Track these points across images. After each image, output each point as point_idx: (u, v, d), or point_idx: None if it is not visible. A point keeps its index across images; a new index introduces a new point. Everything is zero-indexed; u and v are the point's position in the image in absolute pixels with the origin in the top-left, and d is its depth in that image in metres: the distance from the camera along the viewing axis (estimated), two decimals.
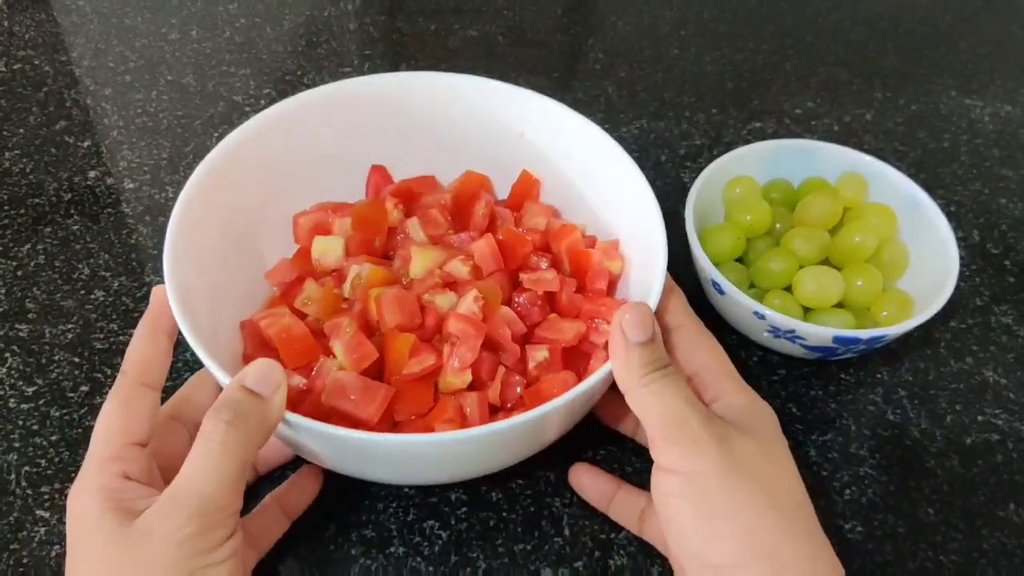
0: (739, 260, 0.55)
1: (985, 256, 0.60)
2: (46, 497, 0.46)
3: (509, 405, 0.45)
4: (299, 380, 0.44)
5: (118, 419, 0.37)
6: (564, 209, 0.54)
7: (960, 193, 0.65)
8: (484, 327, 0.45)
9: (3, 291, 0.55)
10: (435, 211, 0.51)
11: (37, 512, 0.45)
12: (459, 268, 0.48)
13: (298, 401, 0.44)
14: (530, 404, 0.43)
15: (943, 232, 0.52)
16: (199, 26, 0.76)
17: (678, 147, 0.67)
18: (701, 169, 0.55)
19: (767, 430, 0.40)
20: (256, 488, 0.46)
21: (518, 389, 0.45)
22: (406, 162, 0.54)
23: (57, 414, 0.49)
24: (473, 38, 0.76)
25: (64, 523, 0.44)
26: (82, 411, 0.49)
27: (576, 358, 0.47)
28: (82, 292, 0.55)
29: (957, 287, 0.49)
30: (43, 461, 0.47)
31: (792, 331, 0.48)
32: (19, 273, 0.56)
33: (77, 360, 0.52)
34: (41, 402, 0.50)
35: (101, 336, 0.53)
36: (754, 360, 0.53)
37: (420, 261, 0.47)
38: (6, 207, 0.60)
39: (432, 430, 0.42)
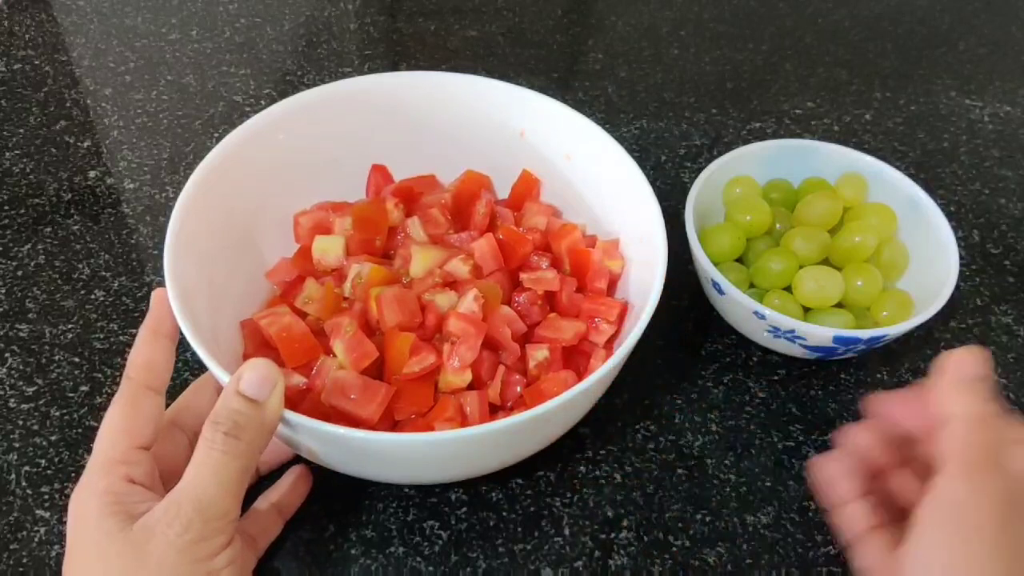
0: (739, 260, 0.55)
1: (985, 256, 0.60)
2: (46, 497, 0.46)
3: (509, 404, 0.45)
4: (299, 379, 0.44)
5: (123, 422, 0.37)
6: (565, 209, 0.54)
7: (960, 193, 0.65)
8: (484, 326, 0.45)
9: (3, 291, 0.55)
10: (435, 210, 0.51)
11: (37, 512, 0.45)
12: (459, 267, 0.48)
13: (298, 400, 0.44)
14: (530, 403, 0.43)
15: (943, 232, 0.52)
16: (199, 26, 0.76)
17: (678, 147, 0.67)
18: (701, 169, 0.55)
19: None
20: (254, 489, 0.46)
21: (518, 388, 0.45)
22: (407, 162, 0.55)
23: (57, 414, 0.49)
24: (473, 38, 0.76)
25: (64, 523, 0.44)
26: (82, 411, 0.49)
27: (576, 357, 0.47)
28: (82, 292, 0.55)
29: (957, 287, 0.49)
30: (43, 461, 0.47)
31: (792, 331, 0.48)
32: (19, 273, 0.56)
33: (77, 360, 0.52)
34: (41, 402, 0.50)
35: (101, 336, 0.53)
36: (754, 360, 0.53)
37: (420, 260, 0.47)
38: (6, 207, 0.60)
39: (432, 429, 0.42)
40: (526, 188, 0.54)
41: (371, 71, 0.68)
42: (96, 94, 0.69)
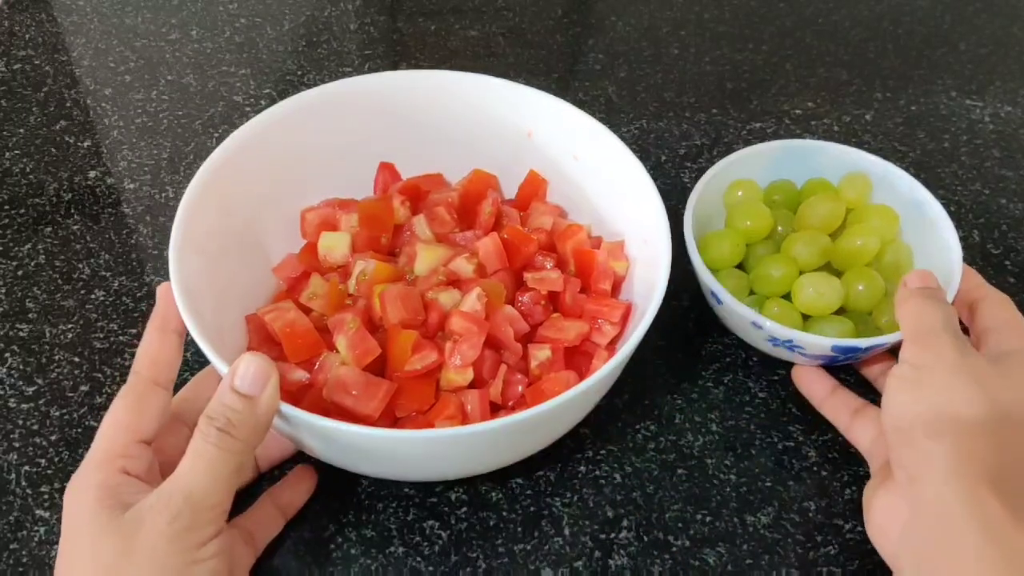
0: (740, 265, 0.54)
1: (985, 256, 0.60)
2: (46, 497, 0.46)
3: (510, 403, 0.45)
4: (302, 374, 0.44)
5: (126, 416, 0.38)
6: (571, 209, 0.54)
7: (960, 193, 0.65)
8: (486, 325, 0.45)
9: (3, 291, 0.55)
10: (442, 209, 0.51)
11: (37, 512, 0.45)
12: (463, 266, 0.48)
13: (300, 396, 0.44)
14: (531, 403, 0.43)
15: (947, 233, 0.51)
16: (199, 26, 0.76)
17: (678, 147, 0.67)
18: (701, 169, 0.55)
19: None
20: (255, 485, 0.46)
21: (520, 388, 0.45)
22: (416, 160, 0.55)
23: (57, 414, 0.49)
24: (473, 38, 0.76)
25: None
26: (82, 411, 0.49)
27: (578, 358, 0.47)
28: (82, 292, 0.55)
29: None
30: (43, 461, 0.47)
31: (790, 340, 0.47)
32: (19, 273, 0.56)
33: (77, 360, 0.52)
34: (41, 402, 0.50)
35: (101, 336, 0.53)
36: (754, 360, 0.53)
37: (425, 258, 0.48)
38: (6, 207, 0.60)
39: (433, 427, 0.42)
40: (533, 188, 0.54)
41: (371, 71, 0.68)
42: (96, 94, 0.69)
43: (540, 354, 0.46)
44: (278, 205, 0.51)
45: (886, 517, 0.40)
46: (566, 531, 0.45)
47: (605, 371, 0.39)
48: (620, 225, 0.51)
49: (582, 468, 0.48)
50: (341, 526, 0.45)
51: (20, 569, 0.43)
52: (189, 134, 0.66)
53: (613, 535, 0.45)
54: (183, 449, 0.36)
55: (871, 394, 0.50)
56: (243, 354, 0.37)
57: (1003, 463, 0.36)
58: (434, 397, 0.44)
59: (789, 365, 0.53)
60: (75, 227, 0.59)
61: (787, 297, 0.51)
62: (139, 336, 0.45)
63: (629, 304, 0.48)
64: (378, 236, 0.50)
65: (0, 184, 0.62)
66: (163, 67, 0.72)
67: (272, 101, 0.64)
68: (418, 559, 0.44)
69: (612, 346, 0.47)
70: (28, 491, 0.46)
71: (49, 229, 0.59)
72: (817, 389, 0.49)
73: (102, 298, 0.55)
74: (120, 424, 0.38)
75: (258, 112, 0.49)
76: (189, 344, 0.42)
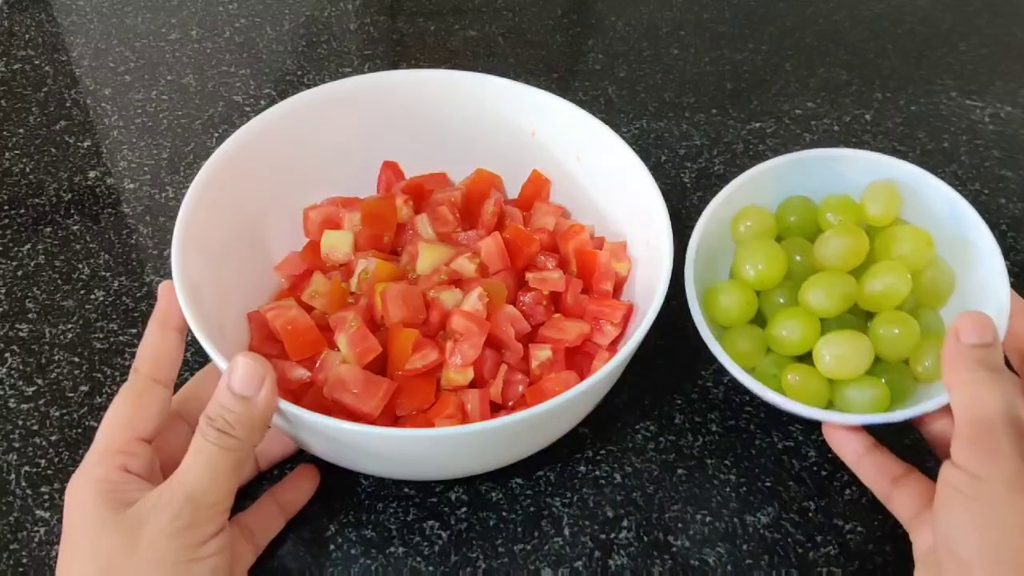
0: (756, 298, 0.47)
1: None
2: (46, 497, 0.46)
3: (511, 403, 0.45)
4: (303, 372, 0.44)
5: (127, 413, 0.38)
6: (574, 209, 0.54)
7: (960, 193, 0.64)
8: (487, 324, 0.45)
9: (3, 291, 0.55)
10: (444, 208, 0.51)
11: (37, 512, 0.45)
12: (465, 265, 0.48)
13: (301, 394, 0.44)
14: (532, 402, 0.43)
15: (992, 261, 0.44)
16: (199, 26, 0.76)
17: (678, 147, 0.67)
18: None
19: None
20: (255, 484, 0.46)
21: (520, 387, 0.45)
22: (419, 159, 0.55)
23: (57, 414, 0.49)
24: (473, 38, 0.76)
25: None
26: (82, 411, 0.49)
27: (579, 358, 0.47)
28: (82, 292, 0.55)
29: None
30: (43, 461, 0.47)
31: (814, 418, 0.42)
32: (19, 273, 0.56)
33: (77, 360, 0.52)
34: (41, 402, 0.50)
35: (101, 336, 0.53)
36: None
37: (427, 257, 0.48)
38: (6, 207, 0.60)
39: (433, 426, 0.42)
40: (536, 188, 0.54)
41: (371, 71, 0.68)
42: (96, 94, 0.69)
43: (541, 354, 0.46)
44: (280, 203, 0.51)
45: None
46: (566, 531, 0.45)
47: (605, 371, 0.39)
48: (622, 226, 0.51)
49: (582, 468, 0.48)
50: (341, 526, 0.45)
51: (20, 569, 0.43)
52: (189, 134, 0.66)
53: (613, 535, 0.45)
54: (184, 447, 0.36)
55: (914, 438, 0.45)
56: (238, 355, 0.37)
57: None
58: (434, 396, 0.44)
59: None
60: (75, 227, 0.59)
61: (809, 357, 0.44)
62: (139, 336, 0.45)
63: (631, 305, 0.48)
64: (381, 235, 0.50)
65: (0, 184, 0.62)
66: (163, 67, 0.72)
67: (272, 101, 0.65)
68: (418, 559, 0.44)
69: (613, 347, 0.47)
70: (28, 491, 0.46)
71: (49, 229, 0.59)
72: (850, 452, 0.43)
73: (102, 298, 0.55)
74: (120, 421, 0.38)
75: (258, 112, 0.49)
76: (190, 343, 0.42)
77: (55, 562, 0.43)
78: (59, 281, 0.56)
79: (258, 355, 0.37)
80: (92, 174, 0.63)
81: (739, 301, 0.45)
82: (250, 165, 0.48)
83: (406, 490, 0.47)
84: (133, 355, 0.41)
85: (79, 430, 0.48)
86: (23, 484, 0.46)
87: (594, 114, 0.50)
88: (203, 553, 0.35)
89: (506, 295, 0.47)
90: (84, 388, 0.50)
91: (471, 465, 0.44)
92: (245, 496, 0.45)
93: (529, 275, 0.49)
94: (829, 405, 0.44)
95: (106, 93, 0.69)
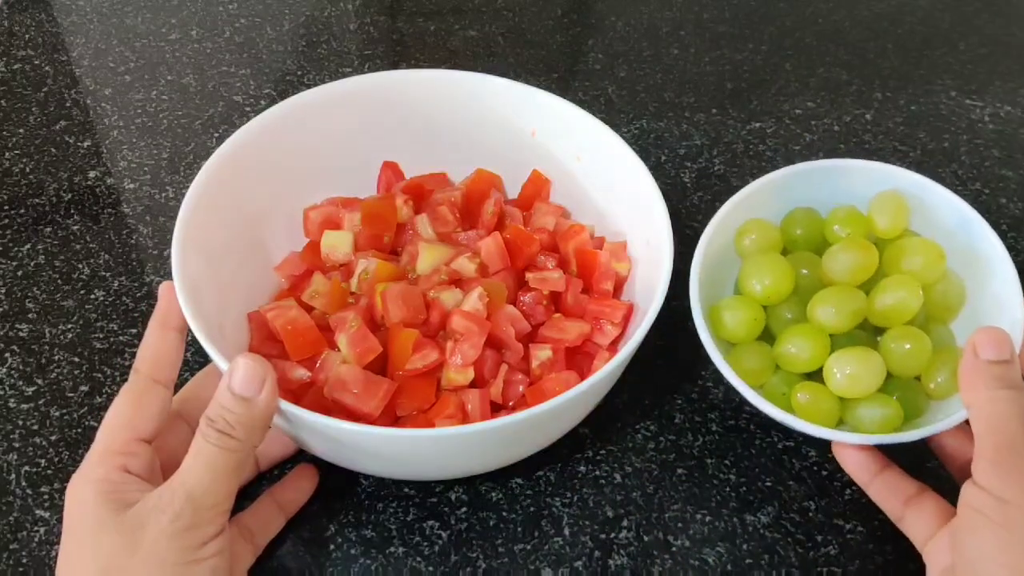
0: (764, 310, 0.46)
1: None
2: (46, 497, 0.46)
3: (511, 403, 0.45)
4: (303, 373, 0.44)
5: (127, 414, 0.38)
6: (574, 209, 0.54)
7: (960, 193, 0.64)
8: (487, 324, 0.45)
9: (3, 291, 0.55)
10: (444, 208, 0.51)
11: (37, 512, 0.45)
12: (466, 265, 0.48)
13: (301, 394, 0.44)
14: (532, 402, 0.43)
15: (1005, 272, 0.43)
16: (199, 26, 0.76)
17: (678, 147, 0.67)
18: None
19: None
20: (255, 484, 0.46)
21: (520, 387, 0.45)
22: (419, 159, 0.55)
23: (57, 414, 0.49)
24: (473, 38, 0.76)
25: None
26: (82, 411, 0.49)
27: (579, 358, 0.47)
28: (82, 292, 0.55)
29: None
30: (43, 461, 0.47)
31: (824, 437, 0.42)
32: (19, 273, 0.56)
33: (77, 360, 0.52)
34: (41, 402, 0.50)
35: (101, 336, 0.53)
36: None
37: (427, 257, 0.48)
38: (6, 207, 0.60)
39: (433, 426, 0.42)
40: (536, 188, 0.54)
41: (371, 71, 0.68)
42: (96, 94, 0.69)
43: (541, 354, 0.46)
44: (281, 203, 0.51)
45: None
46: (566, 531, 0.45)
47: (605, 371, 0.39)
48: (623, 226, 0.51)
49: (582, 468, 0.48)
50: (341, 526, 0.45)
51: (20, 569, 0.43)
52: (189, 134, 0.66)
53: (613, 535, 0.45)
54: (184, 448, 0.36)
55: (927, 458, 0.44)
56: (238, 356, 0.37)
57: None
58: (435, 396, 0.44)
59: None
60: (75, 227, 0.59)
61: (819, 375, 0.43)
62: (139, 336, 0.45)
63: (631, 305, 0.48)
64: (381, 235, 0.50)
65: (0, 184, 0.62)
66: (163, 67, 0.72)
67: (272, 101, 0.64)
68: (418, 559, 0.44)
69: (613, 347, 0.47)
70: (28, 491, 0.46)
71: (49, 229, 0.59)
72: (861, 472, 0.42)
73: (102, 298, 0.55)
74: (120, 422, 0.38)
75: (258, 112, 0.49)
76: (190, 343, 0.42)
77: (55, 562, 0.43)
78: (59, 281, 0.56)
79: (258, 356, 0.37)
80: (92, 174, 0.63)
81: (746, 318, 0.44)
82: (250, 165, 0.48)
83: (406, 490, 0.47)
84: (133, 355, 0.42)
85: (79, 430, 0.48)
86: (23, 484, 0.46)
87: (594, 114, 0.50)
88: (203, 554, 0.35)
89: (506, 295, 0.47)
90: (84, 388, 0.50)
91: (471, 465, 0.44)
92: (245, 496, 0.45)
93: (529, 275, 0.49)
94: (840, 424, 0.44)
95: (106, 93, 0.69)
